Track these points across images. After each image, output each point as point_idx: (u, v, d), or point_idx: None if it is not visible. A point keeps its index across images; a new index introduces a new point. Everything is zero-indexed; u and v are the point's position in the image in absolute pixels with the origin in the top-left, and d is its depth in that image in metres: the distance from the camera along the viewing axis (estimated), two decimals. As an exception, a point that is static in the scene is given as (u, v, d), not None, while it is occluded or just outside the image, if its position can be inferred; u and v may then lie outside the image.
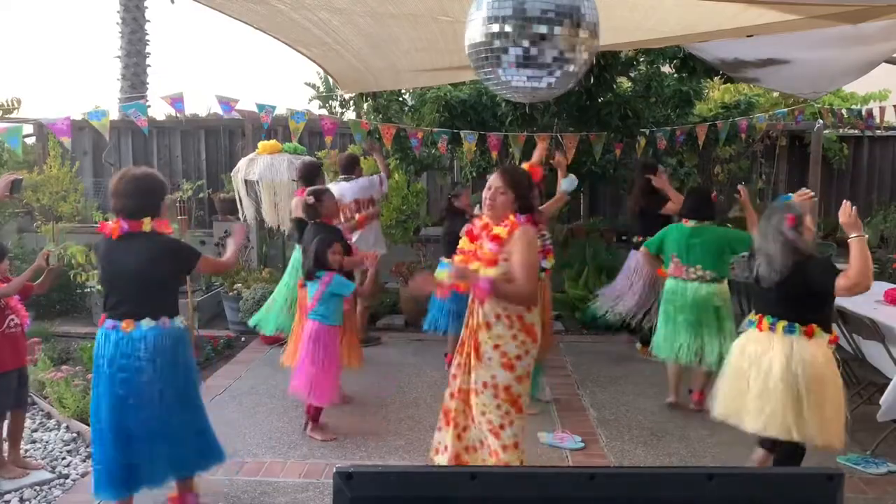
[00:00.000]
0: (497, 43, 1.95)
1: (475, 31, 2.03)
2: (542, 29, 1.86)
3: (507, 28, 1.90)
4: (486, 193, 3.07)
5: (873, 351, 4.21)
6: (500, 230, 2.97)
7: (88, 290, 6.35)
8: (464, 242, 3.15)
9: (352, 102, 7.87)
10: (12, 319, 3.61)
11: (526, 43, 1.89)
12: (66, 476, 3.71)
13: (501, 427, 2.94)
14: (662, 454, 4.04)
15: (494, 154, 6.53)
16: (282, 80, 19.98)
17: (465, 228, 3.23)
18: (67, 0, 28.21)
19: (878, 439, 3.98)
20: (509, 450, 2.94)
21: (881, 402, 3.67)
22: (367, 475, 1.03)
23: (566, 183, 4.79)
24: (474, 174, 7.48)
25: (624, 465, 3.87)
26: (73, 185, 7.73)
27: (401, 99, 7.27)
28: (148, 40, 11.71)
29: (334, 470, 1.02)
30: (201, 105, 9.08)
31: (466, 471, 1.03)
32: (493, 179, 3.08)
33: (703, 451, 4.07)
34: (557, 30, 1.87)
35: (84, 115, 4.62)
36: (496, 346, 2.96)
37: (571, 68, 1.95)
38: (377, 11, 3.22)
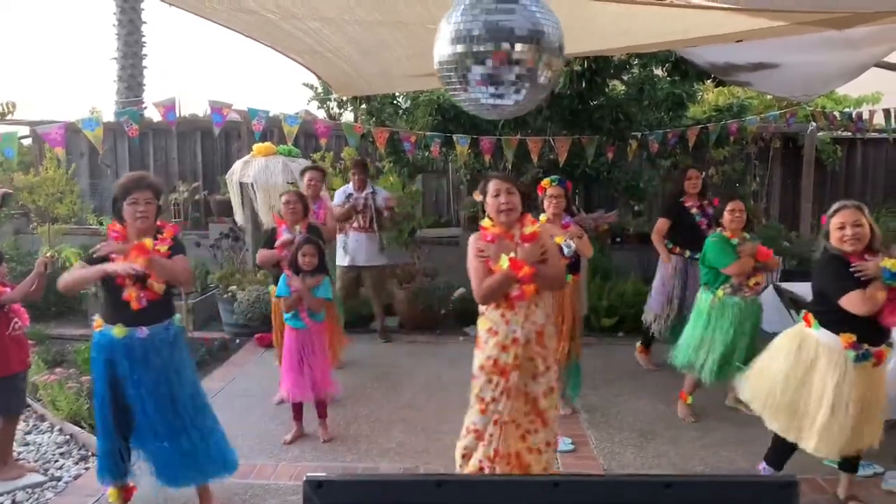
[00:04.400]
0: (462, 61, 1.98)
1: (441, 48, 2.07)
2: (507, 48, 1.90)
3: (473, 47, 1.94)
4: (496, 200, 3.03)
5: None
6: (531, 228, 3.03)
7: (83, 292, 6.37)
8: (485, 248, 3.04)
9: (349, 104, 7.90)
10: (16, 322, 3.66)
11: (490, 62, 1.93)
12: (59, 479, 3.74)
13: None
14: (652, 456, 4.07)
15: (488, 157, 6.56)
16: (280, 80, 20.03)
17: (476, 240, 3.09)
18: (64, 1, 28.26)
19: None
20: None
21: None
22: (336, 483, 1.06)
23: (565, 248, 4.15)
24: (468, 177, 7.51)
25: (611, 469, 3.91)
26: (69, 187, 7.75)
27: (395, 102, 7.30)
28: (144, 42, 11.71)
29: (304, 478, 1.05)
30: (198, 106, 9.08)
31: (432, 479, 1.06)
32: (500, 184, 3.05)
33: (692, 454, 4.10)
34: (521, 49, 1.91)
35: (79, 121, 4.64)
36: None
37: (536, 86, 1.99)
38: (367, 20, 3.24)
